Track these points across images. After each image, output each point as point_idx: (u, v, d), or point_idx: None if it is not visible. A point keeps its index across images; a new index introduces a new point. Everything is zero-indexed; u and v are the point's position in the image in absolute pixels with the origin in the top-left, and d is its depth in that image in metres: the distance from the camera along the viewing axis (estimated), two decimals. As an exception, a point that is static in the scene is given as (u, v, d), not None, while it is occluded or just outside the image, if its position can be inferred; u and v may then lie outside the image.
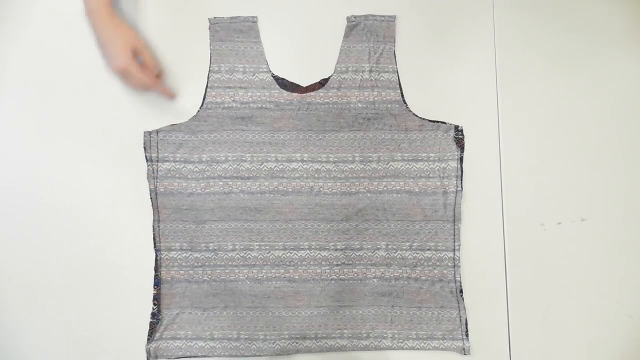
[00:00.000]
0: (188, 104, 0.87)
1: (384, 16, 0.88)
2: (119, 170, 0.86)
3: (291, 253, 0.85)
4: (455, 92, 0.88)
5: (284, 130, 0.86)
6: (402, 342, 0.84)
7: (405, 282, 0.85)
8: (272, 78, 0.87)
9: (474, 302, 0.85)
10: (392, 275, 0.85)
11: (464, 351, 0.84)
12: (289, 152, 0.86)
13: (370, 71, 0.87)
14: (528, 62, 0.89)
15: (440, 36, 0.89)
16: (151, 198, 0.85)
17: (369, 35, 0.88)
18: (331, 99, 0.87)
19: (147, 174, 0.85)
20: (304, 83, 0.88)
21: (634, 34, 0.90)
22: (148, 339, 0.84)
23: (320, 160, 0.86)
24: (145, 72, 0.82)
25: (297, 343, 0.84)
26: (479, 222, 0.87)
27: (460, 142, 0.87)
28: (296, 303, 0.85)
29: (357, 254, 0.85)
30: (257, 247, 0.85)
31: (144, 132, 0.85)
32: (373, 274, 0.85)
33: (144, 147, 0.85)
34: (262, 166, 0.86)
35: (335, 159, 0.86)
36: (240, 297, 0.85)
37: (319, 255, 0.85)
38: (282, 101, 0.87)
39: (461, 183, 0.86)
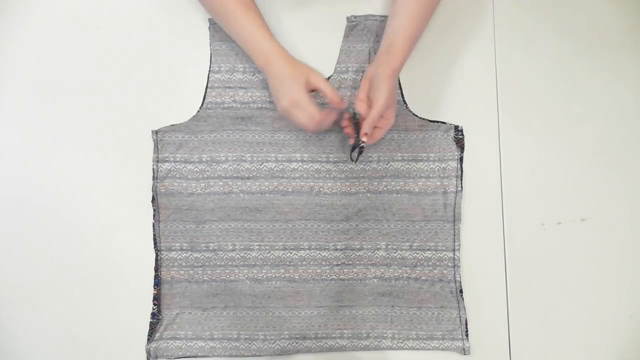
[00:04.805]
0: (188, 104, 0.87)
1: (384, 16, 0.88)
2: (119, 170, 0.86)
3: (291, 253, 0.85)
4: (455, 92, 0.88)
5: (284, 130, 0.86)
6: (402, 342, 0.84)
7: (405, 282, 0.85)
8: (272, 78, 0.87)
9: (474, 302, 0.85)
10: (392, 275, 0.85)
11: (464, 351, 0.84)
12: (289, 152, 0.86)
13: (370, 71, 0.87)
14: (528, 62, 0.89)
15: (440, 36, 0.89)
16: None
17: (369, 35, 0.88)
18: (331, 99, 0.87)
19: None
20: (304, 83, 0.87)
21: (634, 34, 0.90)
22: (148, 339, 0.84)
23: (320, 160, 0.86)
24: (318, 109, 0.77)
25: (297, 343, 0.84)
26: (479, 222, 0.86)
27: (460, 142, 0.87)
28: (296, 303, 0.85)
29: (357, 254, 0.85)
30: (257, 247, 0.85)
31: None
32: (373, 274, 0.85)
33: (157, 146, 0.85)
34: (262, 166, 0.86)
35: (335, 159, 0.86)
36: (240, 297, 0.85)
37: (319, 255, 0.85)
38: (282, 101, 0.87)
39: (461, 183, 0.86)
